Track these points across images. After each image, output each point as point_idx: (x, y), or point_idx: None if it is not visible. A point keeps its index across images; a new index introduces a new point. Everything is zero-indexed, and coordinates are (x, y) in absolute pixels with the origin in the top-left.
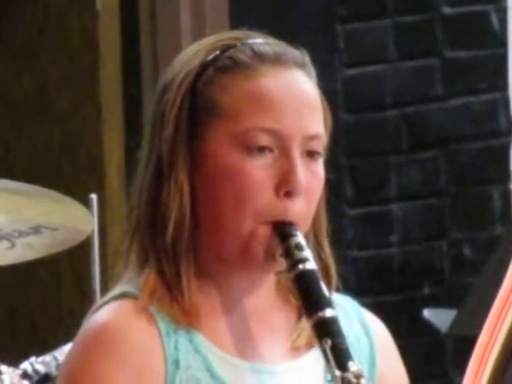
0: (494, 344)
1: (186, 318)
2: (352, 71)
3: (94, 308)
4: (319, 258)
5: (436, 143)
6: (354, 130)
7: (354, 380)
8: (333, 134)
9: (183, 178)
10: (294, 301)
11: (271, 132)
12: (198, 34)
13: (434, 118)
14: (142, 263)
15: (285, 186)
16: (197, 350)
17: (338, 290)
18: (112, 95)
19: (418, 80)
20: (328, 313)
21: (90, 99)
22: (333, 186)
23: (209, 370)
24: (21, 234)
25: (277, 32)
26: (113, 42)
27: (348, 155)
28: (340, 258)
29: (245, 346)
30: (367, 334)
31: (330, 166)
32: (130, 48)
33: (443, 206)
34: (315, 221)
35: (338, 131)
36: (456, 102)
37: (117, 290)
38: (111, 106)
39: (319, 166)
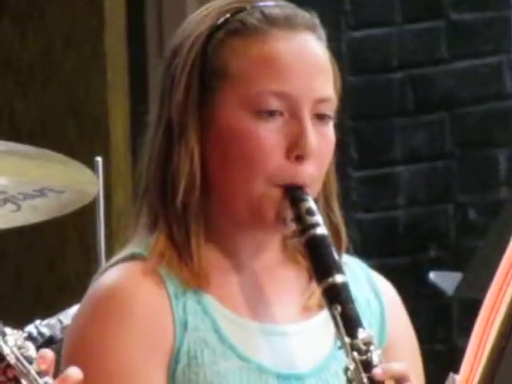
0: (499, 307)
1: (195, 279)
2: (358, 33)
3: (102, 269)
4: (329, 220)
5: (441, 106)
6: (359, 93)
7: (363, 347)
8: (339, 96)
9: (193, 141)
10: (302, 260)
11: (281, 95)
12: None
13: (440, 81)
14: (152, 226)
15: (295, 150)
16: (205, 312)
17: (345, 252)
18: (117, 57)
19: (423, 42)
20: (338, 279)
21: (94, 61)
22: (338, 148)
23: (217, 331)
24: (26, 196)
25: None
26: (118, 3)
27: (353, 117)
28: (345, 221)
29: (255, 306)
30: (377, 295)
31: (335, 128)
32: (135, 10)
33: (449, 168)
34: (326, 184)
35: (344, 93)
36: (461, 64)
37: (125, 251)
38: (116, 68)
39: (329, 130)
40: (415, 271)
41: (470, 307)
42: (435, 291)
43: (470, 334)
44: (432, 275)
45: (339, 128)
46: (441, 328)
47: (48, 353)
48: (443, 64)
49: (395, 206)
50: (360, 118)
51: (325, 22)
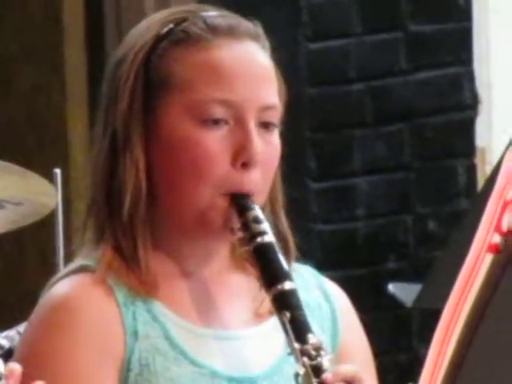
0: (459, 315)
1: (143, 287)
2: (316, 45)
3: (51, 282)
4: (277, 229)
5: (401, 117)
6: (318, 104)
7: (313, 352)
8: (297, 107)
9: (138, 151)
10: (250, 268)
11: (225, 103)
12: (163, 9)
13: (399, 92)
14: (98, 239)
15: (241, 157)
16: (155, 319)
17: (302, 262)
18: (76, 70)
19: (382, 54)
20: (287, 285)
21: (54, 74)
22: (297, 160)
23: (167, 338)
24: None
25: (240, 6)
26: (77, 17)
27: (312, 129)
28: (305, 232)
29: (205, 311)
30: (328, 300)
31: (294, 139)
32: (94, 23)
33: (408, 179)
34: (272, 192)
35: (302, 105)
36: (420, 75)
37: (74, 264)
38: (75, 80)
39: (275, 137)
40: (374, 282)
41: (430, 317)
42: (394, 302)
43: (429, 344)
44: (391, 286)
45: (298, 139)
46: (401, 338)
47: (16, 367)
48: (402, 75)
49: (354, 217)
50: (319, 129)
51: (282, 34)
